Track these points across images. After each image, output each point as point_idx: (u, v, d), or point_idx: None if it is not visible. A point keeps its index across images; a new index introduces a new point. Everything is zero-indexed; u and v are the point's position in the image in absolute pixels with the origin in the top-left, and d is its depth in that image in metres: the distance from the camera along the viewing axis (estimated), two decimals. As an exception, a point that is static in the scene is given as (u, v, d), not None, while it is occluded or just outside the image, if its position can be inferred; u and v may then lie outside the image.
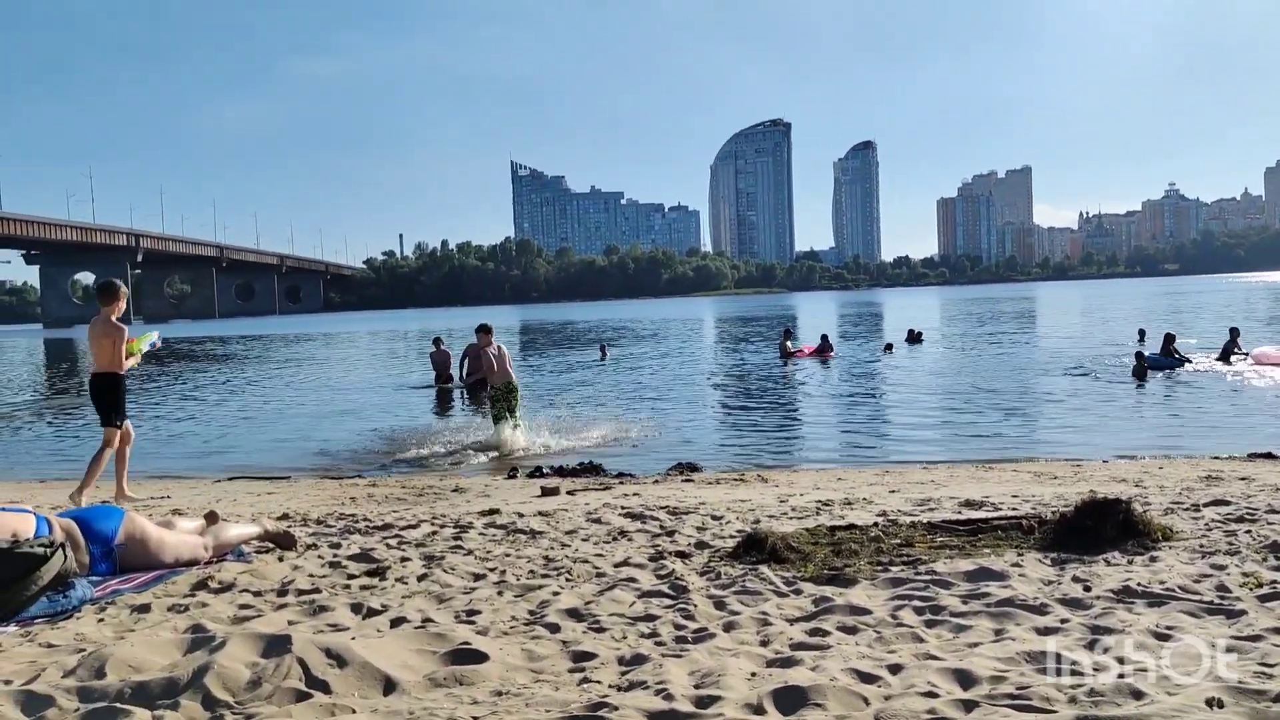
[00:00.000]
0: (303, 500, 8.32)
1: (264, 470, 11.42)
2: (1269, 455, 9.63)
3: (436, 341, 21.60)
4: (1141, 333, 25.79)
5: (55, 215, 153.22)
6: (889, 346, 28.01)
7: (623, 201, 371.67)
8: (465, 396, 18.89)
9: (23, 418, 19.66)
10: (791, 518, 6.29)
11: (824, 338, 26.79)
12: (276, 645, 3.28)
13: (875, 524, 5.71)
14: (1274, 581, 4.09)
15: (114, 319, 8.24)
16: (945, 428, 13.54)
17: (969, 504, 6.65)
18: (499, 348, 12.92)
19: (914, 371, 22.24)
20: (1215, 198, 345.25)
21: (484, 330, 12.93)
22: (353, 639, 3.44)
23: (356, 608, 4.10)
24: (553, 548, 5.41)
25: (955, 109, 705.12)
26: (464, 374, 19.26)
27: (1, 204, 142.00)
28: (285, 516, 6.75)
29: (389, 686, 3.10)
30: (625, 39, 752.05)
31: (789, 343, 26.41)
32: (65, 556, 4.28)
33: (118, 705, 2.92)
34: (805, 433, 13.71)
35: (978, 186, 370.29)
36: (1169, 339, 20.05)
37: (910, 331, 31.05)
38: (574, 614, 3.94)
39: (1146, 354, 19.42)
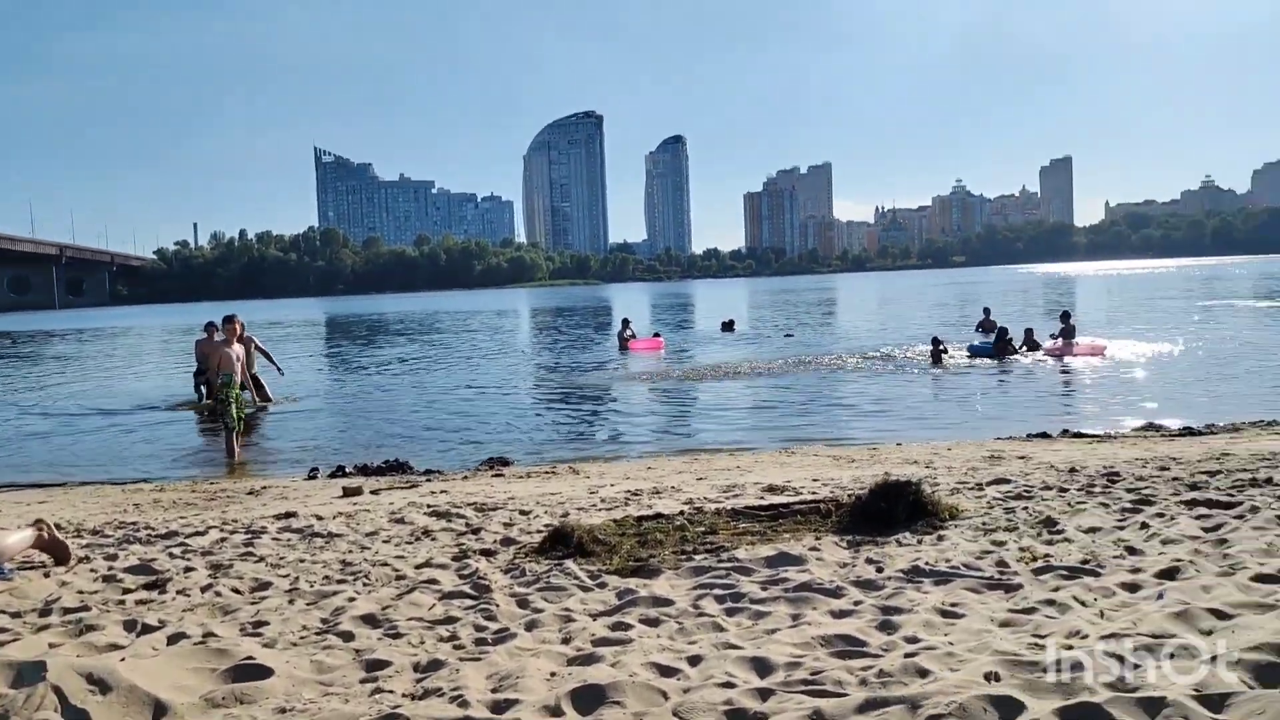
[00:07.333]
0: (79, 509, 7.72)
1: (35, 478, 10.52)
2: (1044, 435, 10.35)
3: (209, 328, 18.29)
4: (986, 311, 26.73)
5: None
6: (729, 324, 31.74)
7: (434, 191, 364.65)
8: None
9: None
10: (600, 509, 6.28)
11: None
12: (29, 673, 2.99)
13: (681, 512, 5.77)
14: (1047, 555, 4.36)
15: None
16: (754, 413, 13.90)
17: (771, 489, 6.82)
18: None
19: (729, 358, 22.75)
20: (997, 194, 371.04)
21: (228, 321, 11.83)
22: (121, 660, 3.18)
23: (130, 625, 3.80)
24: (351, 551, 5.19)
25: (760, 105, 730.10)
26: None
27: None
28: (57, 528, 6.21)
29: (159, 710, 2.87)
30: (435, 23, 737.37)
31: (627, 332, 26.44)
32: None
33: None
34: (619, 422, 13.74)
35: (782, 181, 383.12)
36: (1002, 332, 20.50)
37: (724, 322, 31.99)
38: (369, 620, 3.78)
39: (977, 343, 20.55)
